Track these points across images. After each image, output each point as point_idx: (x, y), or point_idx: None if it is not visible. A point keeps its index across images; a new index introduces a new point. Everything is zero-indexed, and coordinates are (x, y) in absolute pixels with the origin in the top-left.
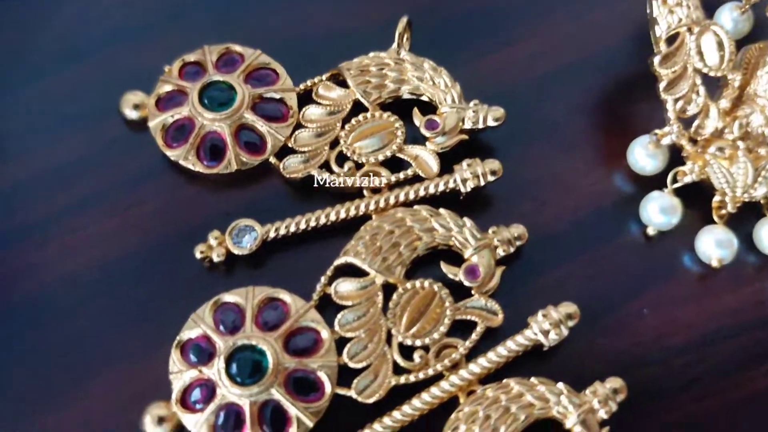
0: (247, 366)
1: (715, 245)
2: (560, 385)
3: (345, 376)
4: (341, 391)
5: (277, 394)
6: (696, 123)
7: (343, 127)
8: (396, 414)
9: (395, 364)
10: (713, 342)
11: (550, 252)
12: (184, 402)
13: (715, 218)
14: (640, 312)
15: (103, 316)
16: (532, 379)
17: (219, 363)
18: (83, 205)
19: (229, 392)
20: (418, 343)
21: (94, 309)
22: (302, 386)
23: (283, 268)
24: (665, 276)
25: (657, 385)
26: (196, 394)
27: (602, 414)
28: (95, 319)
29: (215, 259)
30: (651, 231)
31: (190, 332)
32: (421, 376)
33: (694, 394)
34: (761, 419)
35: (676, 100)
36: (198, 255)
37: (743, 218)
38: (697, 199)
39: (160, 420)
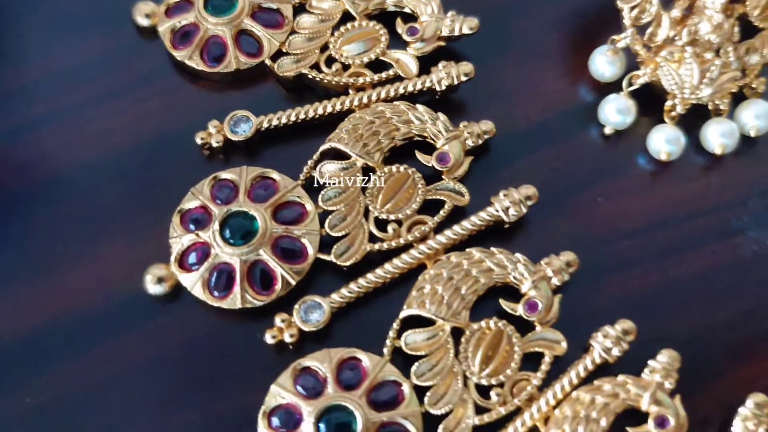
0: (240, 229)
1: (664, 141)
2: (518, 254)
3: (326, 245)
4: (322, 256)
5: (265, 255)
6: (649, 30)
7: (332, 34)
8: (369, 276)
9: (371, 235)
10: (660, 227)
11: (516, 146)
12: (182, 263)
13: (666, 120)
14: (595, 200)
15: (114, 193)
16: (493, 249)
17: (214, 226)
18: (99, 100)
19: (222, 252)
20: (392, 217)
21: (107, 188)
22: (288, 251)
23: (275, 155)
24: (619, 170)
25: (607, 261)
26: (193, 256)
27: (555, 281)
28: (107, 196)
29: (214, 144)
30: (608, 130)
31: (189, 203)
32: (393, 244)
33: (640, 271)
34: (701, 293)
35: (631, 9)
36: (198, 141)
37: (693, 121)
38: (651, 104)
39: (159, 279)
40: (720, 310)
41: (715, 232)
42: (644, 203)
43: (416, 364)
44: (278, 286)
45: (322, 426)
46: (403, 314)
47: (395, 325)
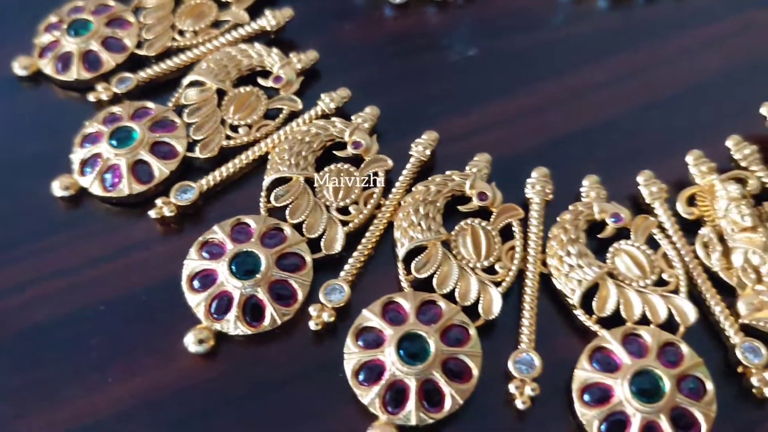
0: None
1: None
2: (274, 48)
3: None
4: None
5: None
6: None
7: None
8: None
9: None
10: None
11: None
12: None
13: None
14: None
15: None
16: (255, 44)
17: None
18: None
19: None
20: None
21: None
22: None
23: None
24: None
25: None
26: None
27: (298, 65)
28: None
29: None
30: None
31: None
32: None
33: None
34: None
35: None
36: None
37: None
38: None
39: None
40: None
41: None
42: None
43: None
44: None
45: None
46: (186, 79)
47: (180, 90)
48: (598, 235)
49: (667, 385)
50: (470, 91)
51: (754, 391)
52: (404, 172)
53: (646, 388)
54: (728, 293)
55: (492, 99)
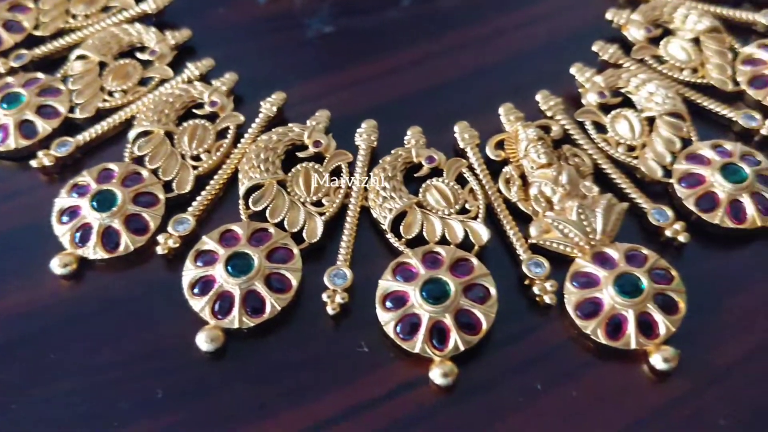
0: None
1: None
2: (151, 27)
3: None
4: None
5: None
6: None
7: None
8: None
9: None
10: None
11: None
12: None
13: None
14: None
15: None
16: (137, 24)
17: None
18: None
19: None
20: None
21: None
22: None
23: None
24: None
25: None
26: None
27: (171, 41)
28: None
29: None
30: None
31: None
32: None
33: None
34: None
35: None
36: None
37: None
38: None
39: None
40: None
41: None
42: None
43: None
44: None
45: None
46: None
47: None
48: (415, 174)
49: (453, 290)
50: (323, 61)
51: (537, 299)
52: (253, 125)
53: (434, 293)
54: (527, 220)
55: (340, 68)
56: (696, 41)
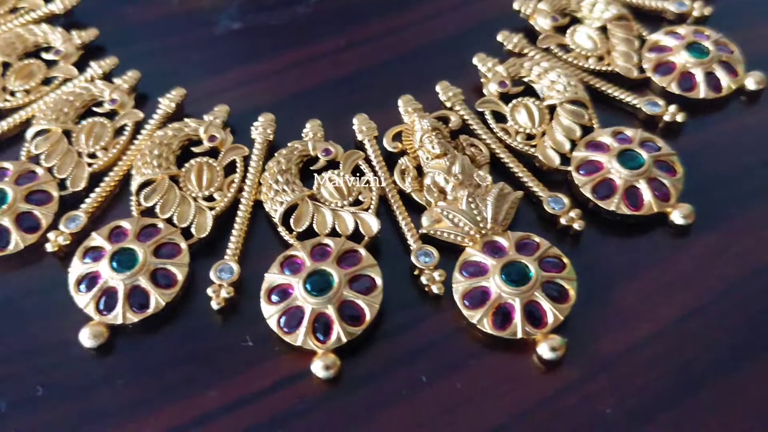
0: None
1: None
2: (58, 27)
3: None
4: None
5: None
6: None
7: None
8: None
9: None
10: None
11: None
12: None
13: None
14: None
15: None
16: (43, 25)
17: None
18: None
19: None
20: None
21: None
22: None
23: None
24: None
25: None
26: None
27: (78, 41)
28: None
29: None
30: None
31: None
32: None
33: None
34: None
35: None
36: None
37: None
38: None
39: None
40: None
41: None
42: None
43: None
44: None
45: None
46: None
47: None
48: (310, 167)
49: (336, 281)
50: (230, 58)
51: (425, 289)
52: (150, 121)
53: (319, 285)
54: (422, 211)
55: (247, 63)
56: (603, 29)
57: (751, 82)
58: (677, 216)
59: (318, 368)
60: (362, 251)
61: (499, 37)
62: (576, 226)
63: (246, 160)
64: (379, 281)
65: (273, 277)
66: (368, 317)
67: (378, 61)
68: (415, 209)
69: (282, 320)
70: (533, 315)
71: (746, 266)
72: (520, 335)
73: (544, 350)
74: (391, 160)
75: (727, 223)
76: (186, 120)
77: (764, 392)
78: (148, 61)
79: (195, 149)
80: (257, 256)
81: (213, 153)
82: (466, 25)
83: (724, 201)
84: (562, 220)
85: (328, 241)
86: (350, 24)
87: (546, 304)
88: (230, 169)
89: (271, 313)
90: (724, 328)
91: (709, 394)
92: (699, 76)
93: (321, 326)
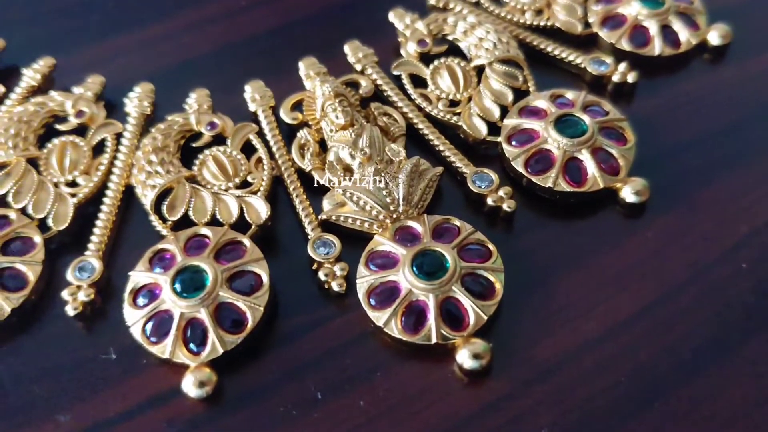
0: None
1: None
2: None
3: None
4: None
5: None
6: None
7: None
8: None
9: None
10: None
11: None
12: None
13: None
14: None
15: None
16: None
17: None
18: None
19: None
20: None
21: None
22: None
23: None
24: None
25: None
26: None
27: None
28: None
29: None
30: None
31: None
32: None
33: None
34: None
35: None
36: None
37: None
38: None
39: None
40: None
41: None
42: None
43: None
44: None
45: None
46: None
47: None
48: (192, 144)
49: (211, 279)
50: (109, 22)
51: (325, 285)
52: (11, 95)
53: (190, 284)
54: (325, 193)
55: (129, 28)
56: None
57: (714, 36)
58: (628, 192)
59: (189, 385)
60: (247, 243)
61: None
62: (505, 206)
63: (119, 138)
64: (265, 278)
65: (139, 275)
66: (250, 322)
67: (277, 23)
68: (320, 191)
69: (148, 327)
70: (452, 315)
71: (712, 250)
72: (434, 340)
73: (464, 358)
74: (291, 133)
75: (688, 200)
76: (51, 93)
77: (732, 399)
78: (16, 31)
79: (60, 126)
80: (129, 252)
81: (82, 131)
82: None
83: (684, 173)
84: (489, 200)
85: (206, 231)
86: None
87: (466, 301)
88: (101, 149)
89: (135, 318)
90: (686, 326)
91: (668, 405)
92: (653, 29)
93: (195, 334)
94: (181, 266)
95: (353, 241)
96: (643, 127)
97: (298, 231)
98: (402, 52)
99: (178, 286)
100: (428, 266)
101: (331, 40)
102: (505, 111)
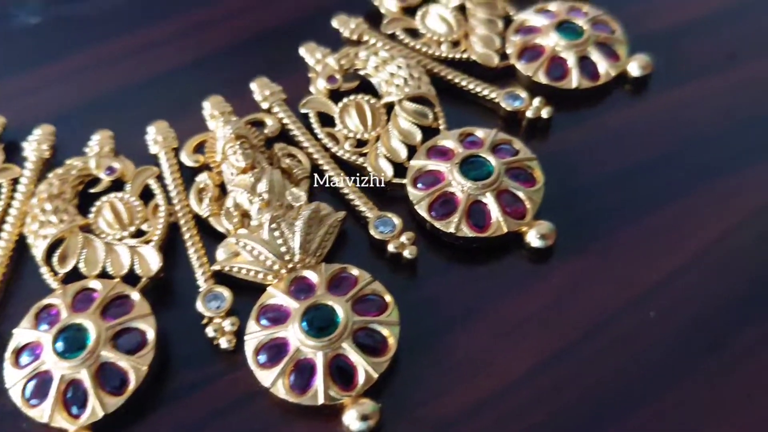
0: None
1: None
2: None
3: None
4: None
5: None
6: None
7: None
8: None
9: None
10: None
11: None
12: None
13: None
14: None
15: None
16: None
17: None
18: None
19: None
20: None
21: None
22: None
23: None
24: None
25: None
26: None
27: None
28: None
29: None
30: None
31: None
32: None
33: None
34: None
35: None
36: None
37: None
38: None
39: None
40: None
41: None
42: None
43: None
44: None
45: (59, 345)
46: None
47: None
48: (90, 190)
49: (93, 338)
50: (30, 54)
51: (214, 342)
52: None
53: (73, 342)
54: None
55: (49, 61)
56: (462, 9)
57: (634, 68)
58: (533, 237)
59: None
60: (135, 297)
61: (335, 23)
62: (406, 253)
63: (15, 183)
64: (151, 335)
65: (23, 332)
66: (132, 383)
67: (194, 58)
68: (222, 238)
69: (28, 388)
70: (343, 372)
71: (621, 297)
72: (321, 401)
73: (351, 419)
74: (193, 177)
75: (597, 244)
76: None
77: None
78: None
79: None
80: (20, 307)
81: None
82: (301, 13)
83: (596, 214)
84: (391, 247)
85: (95, 284)
86: (165, 14)
87: (357, 358)
88: None
89: (16, 379)
90: (594, 378)
91: None
92: (571, 61)
93: (76, 396)
94: (64, 324)
95: (250, 292)
96: (558, 165)
97: (193, 281)
98: (311, 88)
99: (60, 345)
100: (319, 321)
101: (245, 76)
102: (413, 151)
